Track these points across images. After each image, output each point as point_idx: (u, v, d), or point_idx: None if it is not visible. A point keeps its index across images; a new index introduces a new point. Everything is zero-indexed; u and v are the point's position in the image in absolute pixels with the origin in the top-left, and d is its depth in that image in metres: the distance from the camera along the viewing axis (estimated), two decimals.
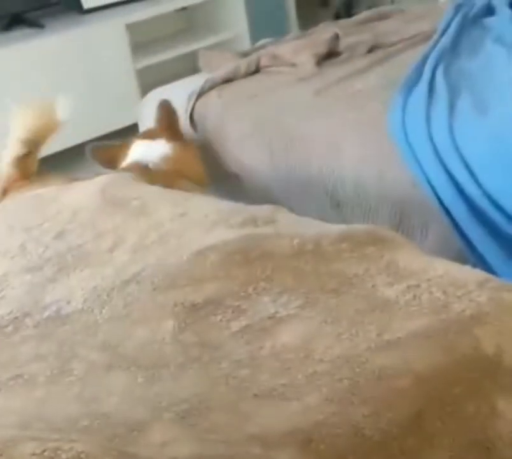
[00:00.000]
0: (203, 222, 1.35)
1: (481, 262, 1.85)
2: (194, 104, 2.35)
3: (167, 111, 2.14)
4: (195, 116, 2.35)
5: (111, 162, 2.06)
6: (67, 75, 3.12)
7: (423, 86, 2.05)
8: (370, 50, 2.49)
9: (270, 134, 2.21)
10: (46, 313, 1.15)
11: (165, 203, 1.45)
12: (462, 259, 1.87)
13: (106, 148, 2.11)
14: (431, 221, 1.95)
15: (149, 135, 2.12)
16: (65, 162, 2.81)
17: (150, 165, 1.97)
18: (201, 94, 2.36)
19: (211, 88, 2.37)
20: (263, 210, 1.41)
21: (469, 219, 1.84)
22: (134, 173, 1.75)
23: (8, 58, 2.99)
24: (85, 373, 1.03)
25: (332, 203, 2.14)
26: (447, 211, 1.90)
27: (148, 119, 2.41)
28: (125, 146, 2.08)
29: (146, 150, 2.04)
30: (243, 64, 2.45)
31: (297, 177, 2.20)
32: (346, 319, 1.12)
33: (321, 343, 1.08)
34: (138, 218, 1.40)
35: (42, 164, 2.06)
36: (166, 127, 2.10)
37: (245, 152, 2.28)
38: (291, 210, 2.19)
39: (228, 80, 2.40)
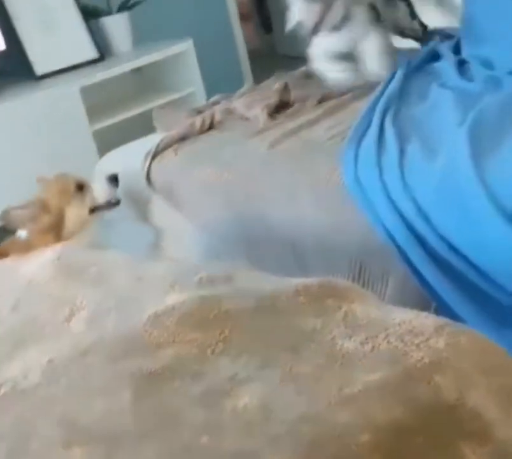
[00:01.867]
0: (160, 285, 1.35)
1: (442, 305, 1.86)
2: (150, 163, 2.36)
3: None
4: (152, 176, 2.36)
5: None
6: (25, 141, 3.14)
7: (372, 134, 2.08)
8: (322, 100, 2.53)
9: (228, 188, 2.22)
10: (2, 391, 1.13)
11: (121, 268, 1.45)
12: (424, 304, 1.88)
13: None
14: (390, 267, 1.96)
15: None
16: None
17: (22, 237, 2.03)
18: (157, 153, 2.38)
19: (167, 147, 2.39)
20: (220, 268, 1.41)
21: (426, 263, 1.86)
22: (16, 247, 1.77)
23: None
24: (43, 452, 1.01)
25: (294, 254, 2.15)
26: (405, 257, 1.91)
27: (100, 182, 2.42)
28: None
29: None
30: (198, 121, 2.47)
31: (257, 230, 2.21)
32: (306, 375, 1.12)
33: (282, 402, 1.07)
34: (94, 286, 1.39)
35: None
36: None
37: (204, 207, 2.29)
38: (254, 262, 2.25)
39: (183, 138, 2.43)
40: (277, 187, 2.14)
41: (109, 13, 3.62)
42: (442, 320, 1.23)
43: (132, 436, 1.02)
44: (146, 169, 2.35)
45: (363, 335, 1.19)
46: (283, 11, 4.98)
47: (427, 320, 1.23)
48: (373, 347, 1.17)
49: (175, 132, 2.44)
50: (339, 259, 2.03)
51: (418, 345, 1.15)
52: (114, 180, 2.17)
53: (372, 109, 2.23)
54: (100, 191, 2.15)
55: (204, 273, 1.39)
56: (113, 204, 2.17)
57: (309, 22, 2.40)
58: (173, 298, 1.30)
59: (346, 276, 2.04)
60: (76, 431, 1.03)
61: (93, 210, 2.12)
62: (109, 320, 1.27)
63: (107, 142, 3.26)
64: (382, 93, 2.35)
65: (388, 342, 1.17)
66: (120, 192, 2.25)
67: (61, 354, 1.19)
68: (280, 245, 2.15)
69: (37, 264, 1.53)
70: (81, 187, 2.10)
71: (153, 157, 2.37)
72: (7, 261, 1.60)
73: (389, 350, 1.15)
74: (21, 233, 2.06)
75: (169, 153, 2.38)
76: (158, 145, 2.39)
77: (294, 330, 1.20)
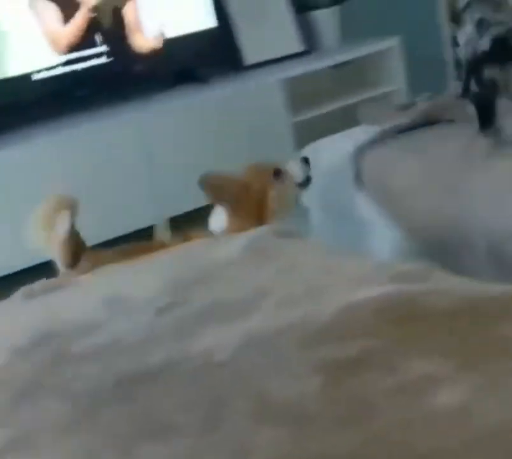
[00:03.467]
0: (350, 279, 1.33)
1: None
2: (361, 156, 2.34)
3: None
4: (362, 169, 2.35)
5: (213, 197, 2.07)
6: (226, 129, 3.23)
7: None
8: None
9: (433, 187, 2.17)
10: (197, 362, 1.16)
11: (311, 259, 1.45)
12: None
13: (214, 183, 2.06)
14: None
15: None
16: None
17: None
18: (370, 146, 2.36)
19: (382, 140, 2.36)
20: (415, 267, 1.37)
21: None
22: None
23: (174, 112, 3.14)
24: (233, 426, 1.02)
25: (493, 260, 2.06)
26: None
27: (293, 163, 2.43)
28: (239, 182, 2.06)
29: (213, 224, 2.06)
30: (412, 117, 2.43)
31: (458, 231, 2.14)
32: (506, 385, 1.06)
33: (481, 408, 1.02)
34: (285, 272, 1.40)
35: None
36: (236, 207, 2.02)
37: (410, 206, 2.25)
38: (449, 264, 2.19)
39: (397, 132, 2.39)
40: (484, 190, 2.07)
41: (320, 6, 3.64)
42: None
43: (323, 422, 1.01)
44: (356, 163, 2.34)
45: None
46: None
47: None
48: None
49: (390, 126, 2.41)
50: None
51: None
52: (306, 161, 2.19)
53: None
54: (295, 170, 2.18)
55: (398, 271, 1.36)
56: (306, 183, 2.19)
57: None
58: (367, 290, 1.28)
59: None
60: (267, 409, 1.04)
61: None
62: (300, 307, 1.27)
63: (305, 135, 3.29)
64: None
65: None
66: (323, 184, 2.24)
67: (253, 332, 1.20)
68: (481, 251, 2.07)
69: (229, 249, 1.57)
70: (278, 172, 2.12)
71: (364, 152, 2.35)
72: (198, 244, 1.64)
73: None
74: (216, 219, 2.07)
75: (380, 147, 2.35)
76: (373, 139, 2.36)
77: (495, 336, 1.14)
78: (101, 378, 1.18)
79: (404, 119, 2.42)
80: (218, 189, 2.02)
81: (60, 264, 1.96)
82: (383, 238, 2.41)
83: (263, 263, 1.49)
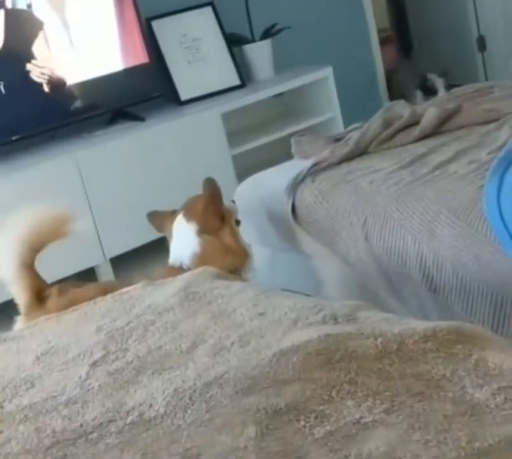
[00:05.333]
0: (283, 321, 1.35)
1: None
2: (294, 193, 2.38)
3: (210, 191, 2.17)
4: (295, 205, 2.38)
5: (160, 228, 2.21)
6: (166, 164, 3.24)
7: None
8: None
9: (366, 218, 2.21)
10: (130, 419, 1.17)
11: (245, 302, 1.46)
12: None
13: (158, 215, 2.23)
14: None
15: (188, 211, 2.16)
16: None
17: (183, 266, 2.04)
18: (300, 182, 2.39)
19: (315, 173, 2.40)
20: (344, 306, 1.40)
21: None
22: (173, 276, 1.77)
23: (111, 151, 3.14)
24: None
25: (428, 287, 2.11)
26: None
27: (243, 203, 2.47)
28: (173, 215, 2.18)
29: (177, 250, 2.10)
30: (337, 149, 2.48)
31: (393, 260, 2.18)
32: (434, 424, 1.08)
33: (408, 451, 1.04)
34: (218, 318, 1.42)
35: None
36: (203, 211, 2.12)
37: (342, 239, 2.29)
38: (392, 295, 2.22)
39: (326, 166, 2.43)
40: (414, 219, 2.11)
41: (252, 40, 3.70)
42: None
43: None
44: (291, 196, 2.37)
45: (495, 386, 1.15)
46: (423, 35, 4.95)
47: None
48: (506, 399, 1.12)
49: (319, 160, 2.44)
50: (478, 295, 1.97)
51: None
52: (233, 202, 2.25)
53: None
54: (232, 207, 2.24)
55: (328, 311, 1.39)
56: (238, 222, 2.23)
57: None
58: (297, 336, 1.30)
59: (484, 312, 1.98)
60: None
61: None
62: (233, 354, 1.28)
63: (245, 166, 3.32)
64: None
65: None
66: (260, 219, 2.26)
67: (186, 384, 1.21)
68: (416, 279, 2.11)
69: (165, 292, 1.57)
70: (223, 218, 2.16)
71: (296, 187, 2.39)
72: (134, 290, 1.65)
73: None
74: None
75: (308, 181, 2.39)
76: (302, 175, 2.39)
77: (422, 377, 1.17)
78: (36, 440, 1.17)
79: (336, 152, 2.46)
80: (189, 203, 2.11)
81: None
82: (324, 270, 2.44)
83: (198, 309, 1.50)
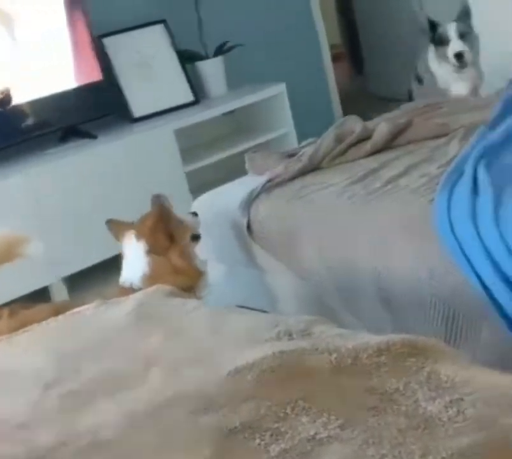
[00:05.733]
0: (237, 339, 1.35)
1: None
2: (249, 208, 2.38)
3: (158, 209, 2.14)
4: (250, 220, 2.38)
5: (118, 237, 2.20)
6: (119, 182, 3.23)
7: (466, 181, 2.05)
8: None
9: (319, 234, 2.23)
10: (82, 442, 1.15)
11: (199, 320, 1.46)
12: None
13: (117, 223, 2.22)
14: (484, 319, 1.90)
15: (138, 229, 2.14)
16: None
17: (133, 286, 2.02)
18: (255, 197, 2.40)
19: (269, 189, 2.40)
20: (299, 321, 1.40)
21: None
22: (124, 296, 1.76)
23: (64, 168, 3.12)
24: None
25: (383, 301, 2.12)
26: (499, 308, 1.86)
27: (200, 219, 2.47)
28: (128, 227, 2.17)
29: (127, 270, 2.10)
30: (294, 166, 2.49)
31: (347, 274, 2.19)
32: (388, 439, 1.09)
33: None
34: (173, 337, 1.41)
35: None
36: (151, 229, 2.10)
37: (296, 254, 2.30)
38: (348, 310, 2.24)
39: (278, 183, 2.44)
40: (368, 233, 2.13)
41: (205, 57, 3.71)
42: None
43: None
44: (246, 212, 2.37)
45: (448, 398, 1.16)
46: (374, 51, 5.01)
47: None
48: (458, 411, 1.13)
49: (272, 176, 2.45)
50: (431, 309, 1.99)
51: (505, 411, 1.11)
52: (196, 215, 2.23)
53: (466, 157, 2.20)
54: (191, 222, 2.20)
55: (283, 327, 1.39)
56: (197, 237, 2.20)
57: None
58: (251, 353, 1.30)
59: (437, 325, 2.00)
60: None
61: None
62: (187, 374, 1.27)
63: (199, 183, 3.32)
64: (479, 140, 2.30)
65: (474, 406, 1.13)
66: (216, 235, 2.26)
67: (139, 406, 1.20)
68: (371, 293, 2.12)
69: (118, 312, 1.56)
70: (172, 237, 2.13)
71: (251, 203, 2.39)
72: (87, 310, 1.63)
73: (475, 416, 1.11)
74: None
75: (262, 197, 2.40)
76: (257, 191, 2.40)
77: (375, 391, 1.18)
78: None
79: (289, 167, 2.48)
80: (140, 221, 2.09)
81: None
82: (281, 285, 2.44)
83: (152, 328, 1.49)
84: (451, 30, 3.32)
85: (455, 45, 3.31)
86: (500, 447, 1.06)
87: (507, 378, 1.20)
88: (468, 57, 3.32)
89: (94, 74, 3.38)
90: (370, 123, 2.70)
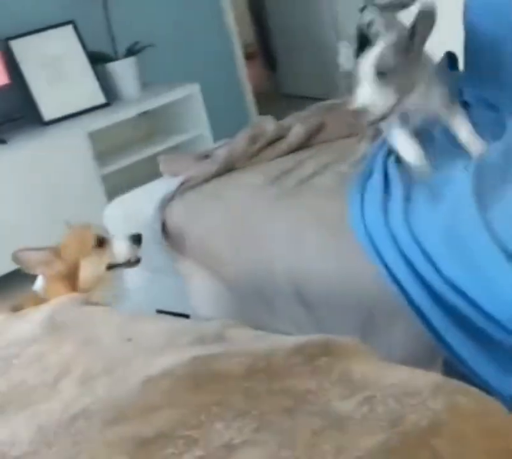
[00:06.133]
0: (150, 346, 1.33)
1: (450, 353, 1.83)
2: (164, 211, 2.35)
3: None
4: (166, 223, 2.36)
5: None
6: (32, 187, 3.16)
7: (377, 179, 2.08)
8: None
9: (236, 234, 2.22)
10: None
11: (112, 328, 1.43)
12: (433, 354, 1.86)
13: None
14: (398, 315, 1.93)
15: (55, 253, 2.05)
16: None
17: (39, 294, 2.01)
18: (169, 200, 2.37)
19: (183, 191, 2.38)
20: (212, 326, 1.39)
21: (434, 310, 1.83)
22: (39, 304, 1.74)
23: None
24: None
25: (301, 302, 2.13)
26: (412, 304, 1.89)
27: (112, 225, 2.43)
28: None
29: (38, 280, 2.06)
30: (207, 165, 2.48)
31: (264, 275, 2.20)
32: (302, 440, 1.09)
33: None
34: (85, 347, 1.38)
35: None
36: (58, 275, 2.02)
37: (212, 255, 2.29)
38: (266, 311, 2.24)
39: (194, 184, 2.42)
40: (283, 232, 2.14)
41: (116, 58, 3.66)
42: (440, 378, 1.20)
43: None
44: (160, 216, 2.34)
45: (360, 396, 1.17)
46: (287, 50, 5.04)
47: (425, 378, 1.20)
48: (370, 409, 1.14)
49: (187, 178, 2.43)
50: (347, 306, 2.01)
51: (414, 406, 1.13)
52: (137, 239, 2.13)
53: (375, 154, 2.23)
54: (121, 249, 2.11)
55: (196, 333, 1.38)
56: (133, 263, 2.14)
57: (379, 108, 1.88)
58: (164, 360, 1.28)
59: (353, 322, 2.02)
60: None
61: (111, 267, 2.10)
62: (100, 384, 1.25)
63: (115, 186, 3.28)
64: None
65: (384, 403, 1.14)
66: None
67: (50, 419, 1.17)
68: (288, 293, 2.13)
69: (28, 323, 1.52)
70: (101, 242, 2.08)
71: (165, 206, 2.36)
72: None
73: (386, 413, 1.12)
74: (38, 283, 2.04)
75: (177, 200, 2.38)
76: (171, 194, 2.38)
77: (289, 392, 1.18)
78: None
79: (204, 169, 2.47)
80: (28, 261, 1.99)
81: None
82: (201, 290, 2.43)
83: (64, 338, 1.46)
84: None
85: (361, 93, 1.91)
86: (409, 444, 1.07)
87: (418, 375, 1.22)
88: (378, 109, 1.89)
89: (1, 78, 3.29)
90: (284, 122, 2.71)
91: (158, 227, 2.34)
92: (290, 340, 1.31)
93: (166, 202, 2.37)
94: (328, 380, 1.20)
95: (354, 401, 1.16)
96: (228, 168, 2.48)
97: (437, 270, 1.85)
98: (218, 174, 2.46)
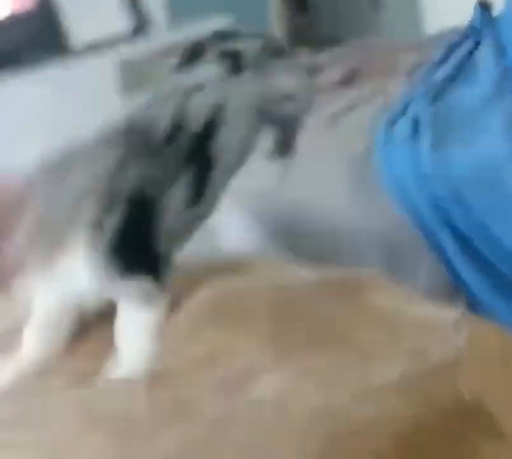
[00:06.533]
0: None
1: (471, 295, 1.82)
2: None
3: None
4: None
5: None
6: (54, 116, 3.13)
7: (406, 122, 2.04)
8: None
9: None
10: None
11: None
12: (454, 295, 1.85)
13: None
14: (422, 255, 1.92)
15: None
16: None
17: None
18: None
19: None
20: (235, 257, 1.39)
21: (457, 252, 1.82)
22: None
23: None
24: None
25: (327, 239, 2.11)
26: (435, 243, 1.88)
27: None
28: None
29: None
30: None
31: (291, 211, 2.18)
32: (324, 369, 1.10)
33: (299, 396, 1.05)
34: None
35: None
36: None
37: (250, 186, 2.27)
38: (292, 246, 2.22)
39: None
40: (308, 163, 2.12)
41: None
42: (464, 314, 1.20)
43: (143, 424, 1.01)
44: None
45: (385, 329, 1.17)
46: None
47: (450, 314, 1.20)
48: (393, 341, 1.14)
49: None
50: (368, 246, 2.00)
51: (438, 341, 1.13)
52: None
53: (408, 96, 2.18)
54: None
55: (222, 264, 1.38)
56: None
57: None
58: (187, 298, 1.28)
59: (377, 260, 2.01)
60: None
61: None
62: None
63: None
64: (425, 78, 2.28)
65: (408, 336, 1.14)
66: None
67: None
68: (314, 229, 2.11)
69: None
70: None
71: None
72: None
73: (409, 346, 1.13)
74: None
75: None
76: None
77: (312, 322, 1.18)
78: None
79: None
80: None
81: None
82: (228, 224, 2.41)
83: None
84: None
85: None
86: (431, 378, 1.08)
87: (441, 310, 1.22)
88: None
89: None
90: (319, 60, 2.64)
91: None
92: (315, 272, 1.31)
93: None
94: (352, 312, 1.20)
95: (377, 332, 1.16)
96: None
97: (464, 206, 1.82)
98: None
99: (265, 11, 4.20)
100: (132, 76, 3.38)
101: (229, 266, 1.36)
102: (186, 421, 1.01)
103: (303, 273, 1.31)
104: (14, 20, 3.17)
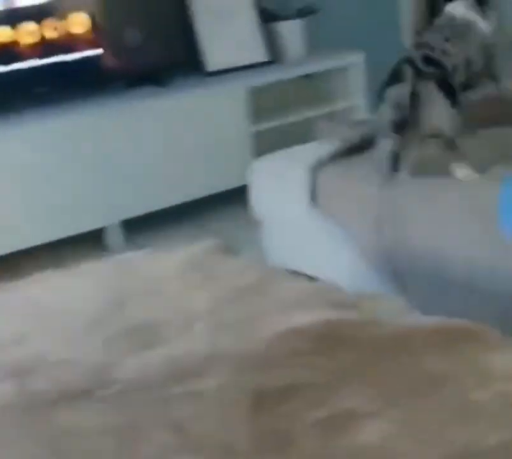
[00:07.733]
0: (285, 303, 1.32)
1: None
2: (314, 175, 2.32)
3: None
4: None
5: None
6: (183, 134, 3.20)
7: None
8: None
9: (379, 208, 2.17)
10: (118, 386, 1.13)
11: (250, 280, 1.43)
12: None
13: None
14: None
15: None
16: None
17: None
18: (327, 163, 2.34)
19: (337, 157, 2.34)
20: (349, 293, 1.36)
21: None
22: None
23: (129, 116, 3.10)
24: (153, 456, 1.00)
25: (438, 286, 2.06)
26: None
27: (257, 183, 2.43)
28: None
29: None
30: (359, 134, 2.42)
31: (403, 256, 2.14)
32: (430, 422, 1.05)
33: (401, 446, 1.01)
34: (222, 294, 1.38)
35: None
36: None
37: (355, 226, 2.25)
38: (399, 291, 2.18)
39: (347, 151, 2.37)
40: (426, 210, 2.07)
41: (286, 18, 3.62)
42: None
43: (241, 453, 0.99)
44: (312, 178, 2.31)
45: (496, 388, 1.11)
46: None
47: None
48: (505, 403, 1.08)
49: (341, 145, 2.38)
50: (487, 296, 1.93)
51: None
52: None
53: None
54: None
55: (332, 296, 1.35)
56: None
57: None
58: (297, 320, 1.26)
59: (491, 315, 1.94)
60: (186, 438, 1.02)
61: None
62: (233, 333, 1.24)
63: (265, 145, 3.27)
64: None
65: None
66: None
67: (180, 358, 1.18)
68: (424, 274, 2.07)
69: (168, 264, 1.54)
70: None
71: (322, 167, 2.33)
72: (139, 256, 1.63)
73: None
74: None
75: (337, 164, 2.33)
76: (330, 155, 2.34)
77: (422, 372, 1.14)
78: (14, 398, 1.14)
79: (353, 136, 2.41)
80: None
81: None
82: (333, 256, 2.39)
83: (201, 283, 1.47)
84: None
85: None
86: None
87: None
88: None
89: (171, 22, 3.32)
90: None
91: (308, 189, 2.31)
92: (431, 320, 1.26)
93: (320, 165, 2.33)
94: (465, 367, 1.15)
95: (489, 392, 1.10)
96: None
97: None
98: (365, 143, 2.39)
99: (397, 47, 4.18)
100: (261, 102, 3.42)
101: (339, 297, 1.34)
102: (283, 455, 0.99)
103: (419, 318, 1.26)
104: (157, 42, 3.27)
